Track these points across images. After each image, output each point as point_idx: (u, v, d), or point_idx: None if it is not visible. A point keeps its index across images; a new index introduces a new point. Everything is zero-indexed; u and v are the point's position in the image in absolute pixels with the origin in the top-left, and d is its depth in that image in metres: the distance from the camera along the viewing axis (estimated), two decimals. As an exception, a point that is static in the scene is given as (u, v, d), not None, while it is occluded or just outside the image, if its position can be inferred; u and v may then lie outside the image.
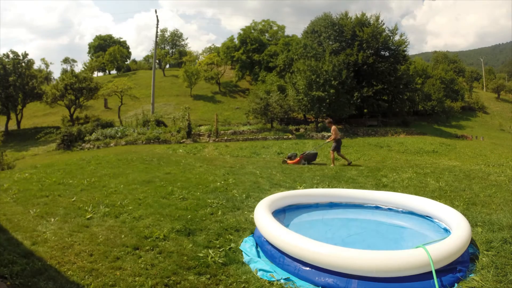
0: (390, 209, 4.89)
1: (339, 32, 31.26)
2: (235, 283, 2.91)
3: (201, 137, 21.29)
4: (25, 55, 31.18)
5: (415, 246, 2.96)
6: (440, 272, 2.84)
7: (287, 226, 4.05)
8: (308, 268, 3.02)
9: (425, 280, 2.75)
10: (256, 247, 3.67)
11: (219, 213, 4.94)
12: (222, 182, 7.40)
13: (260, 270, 3.16)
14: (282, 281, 2.97)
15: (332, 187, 6.67)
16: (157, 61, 46.63)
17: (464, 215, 3.99)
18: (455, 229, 3.38)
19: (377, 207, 4.99)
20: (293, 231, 3.36)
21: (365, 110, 31.46)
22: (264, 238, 3.59)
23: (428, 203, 4.46)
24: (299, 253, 3.08)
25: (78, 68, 60.59)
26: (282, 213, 4.64)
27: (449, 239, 3.10)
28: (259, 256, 3.48)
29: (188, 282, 2.93)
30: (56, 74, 78.53)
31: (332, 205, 5.13)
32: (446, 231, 3.90)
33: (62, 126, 26.13)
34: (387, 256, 2.81)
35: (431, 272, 2.75)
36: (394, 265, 2.73)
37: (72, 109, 29.21)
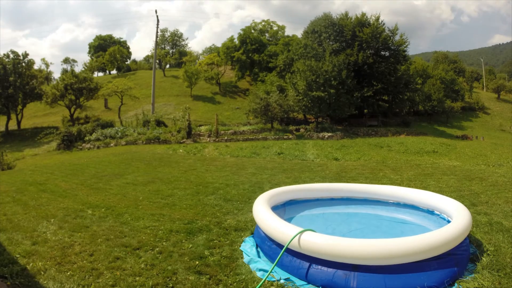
0: (391, 203, 4.88)
1: (339, 32, 31.26)
2: (235, 283, 2.91)
3: (201, 137, 21.28)
4: (25, 55, 31.16)
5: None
6: (439, 262, 2.85)
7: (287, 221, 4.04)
8: (308, 268, 3.01)
9: (424, 272, 2.76)
10: (256, 248, 3.67)
11: (219, 213, 4.95)
12: (222, 182, 7.41)
13: (260, 270, 3.15)
14: (282, 281, 2.97)
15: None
16: (157, 61, 46.61)
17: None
18: (455, 218, 3.38)
19: (378, 201, 4.97)
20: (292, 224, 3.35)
21: (365, 110, 31.41)
22: (263, 232, 3.58)
23: (429, 194, 4.49)
24: (298, 244, 3.06)
25: (79, 68, 60.69)
26: (282, 209, 4.61)
27: (449, 226, 3.12)
28: (259, 256, 3.48)
29: (188, 282, 2.93)
30: (57, 74, 78.65)
31: (332, 200, 5.10)
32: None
33: (62, 126, 26.14)
34: (386, 243, 2.83)
35: (430, 264, 2.80)
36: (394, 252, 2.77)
37: (72, 109, 29.20)
